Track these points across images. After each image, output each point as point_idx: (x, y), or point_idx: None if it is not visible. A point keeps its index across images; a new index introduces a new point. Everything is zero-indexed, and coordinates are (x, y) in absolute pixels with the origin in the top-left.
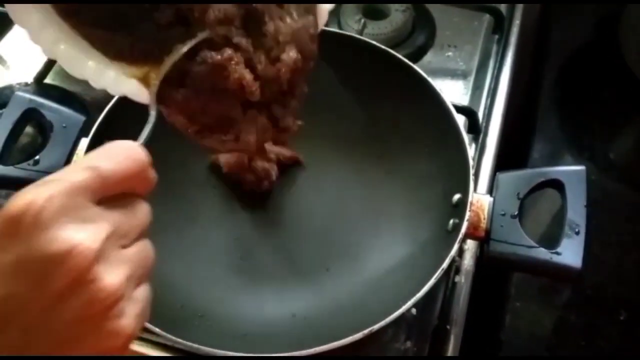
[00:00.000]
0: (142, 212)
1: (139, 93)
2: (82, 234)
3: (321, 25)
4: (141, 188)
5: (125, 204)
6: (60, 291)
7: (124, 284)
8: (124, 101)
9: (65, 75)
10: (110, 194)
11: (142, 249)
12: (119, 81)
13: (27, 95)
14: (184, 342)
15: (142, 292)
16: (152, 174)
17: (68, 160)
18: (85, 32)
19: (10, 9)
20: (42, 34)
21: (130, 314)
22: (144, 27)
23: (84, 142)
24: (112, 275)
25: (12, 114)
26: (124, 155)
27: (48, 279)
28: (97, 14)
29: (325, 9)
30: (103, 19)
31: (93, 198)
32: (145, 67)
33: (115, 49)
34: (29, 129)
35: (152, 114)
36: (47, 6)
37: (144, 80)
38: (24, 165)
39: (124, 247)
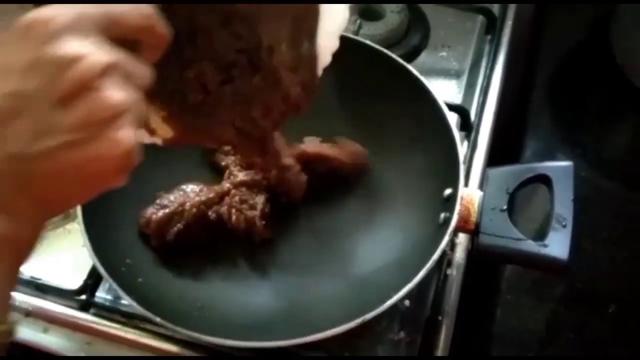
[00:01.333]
0: (146, 68)
1: (137, 133)
2: (91, 48)
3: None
4: (151, 41)
5: (133, 54)
6: (67, 92)
7: (125, 101)
8: None
9: None
10: (120, 38)
11: (140, 99)
12: None
13: None
14: (184, 331)
15: (139, 123)
16: (162, 29)
17: None
18: None
19: None
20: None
21: (129, 130)
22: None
23: None
24: (116, 91)
25: None
26: (133, 6)
27: (56, 79)
28: None
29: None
30: None
31: (102, 33)
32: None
33: None
34: None
35: None
36: None
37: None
38: None
39: (128, 81)
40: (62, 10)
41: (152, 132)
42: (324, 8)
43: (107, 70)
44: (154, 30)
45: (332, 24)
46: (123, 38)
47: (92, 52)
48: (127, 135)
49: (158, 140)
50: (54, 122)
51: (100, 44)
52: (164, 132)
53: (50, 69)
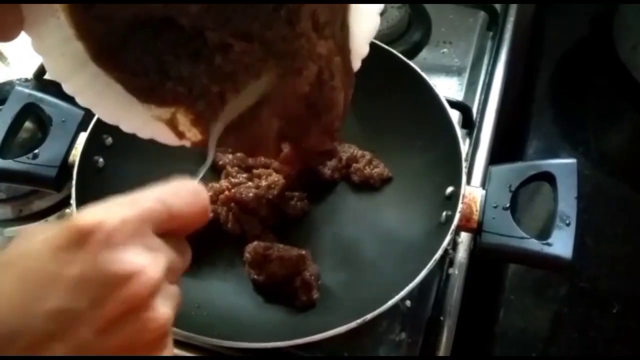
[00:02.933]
0: (189, 253)
1: (166, 135)
2: (147, 261)
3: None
4: (194, 227)
5: (178, 242)
6: (116, 314)
7: (172, 317)
8: None
9: None
10: (169, 230)
11: (180, 288)
12: (147, 124)
13: (27, 90)
14: (181, 331)
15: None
16: (208, 215)
17: (67, 154)
18: (118, 76)
19: (39, 50)
20: (72, 78)
21: (170, 349)
22: (177, 68)
23: (83, 136)
24: (165, 308)
25: (11, 108)
26: (193, 196)
27: (108, 298)
28: (134, 58)
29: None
30: (139, 63)
31: (157, 230)
32: (172, 108)
33: (147, 92)
34: (28, 124)
35: (210, 157)
36: (80, 49)
37: (171, 122)
38: (23, 158)
39: (171, 283)
40: (124, 213)
41: (180, 134)
42: (357, 12)
43: (159, 285)
44: (205, 217)
45: (364, 30)
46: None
47: (148, 266)
48: (168, 354)
49: (187, 143)
50: (96, 344)
51: (155, 247)
52: (192, 135)
53: (103, 286)
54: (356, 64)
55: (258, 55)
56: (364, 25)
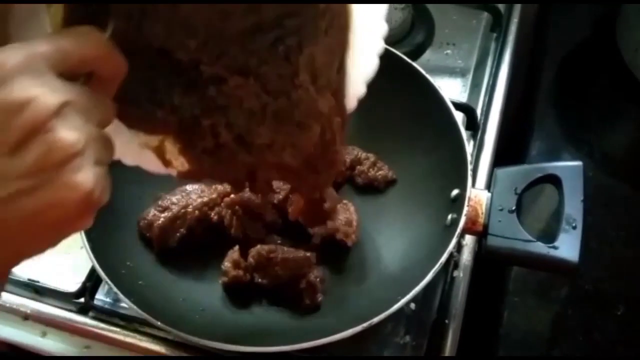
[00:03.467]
0: (106, 102)
1: (153, 163)
2: (41, 90)
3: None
4: (106, 70)
5: (91, 88)
6: (17, 139)
7: (81, 141)
8: None
9: None
10: (73, 72)
11: (104, 134)
12: (134, 151)
13: None
14: (186, 335)
15: (101, 161)
16: (117, 58)
17: None
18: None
19: None
20: None
21: (87, 171)
22: (170, 97)
23: None
24: (69, 132)
25: None
26: (84, 36)
27: (6, 126)
28: (125, 86)
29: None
30: (130, 91)
31: (54, 69)
32: (160, 136)
33: (137, 120)
34: None
35: None
36: None
37: (158, 150)
38: None
39: (86, 120)
40: (12, 51)
41: (167, 163)
42: (355, 54)
43: (59, 110)
44: (109, 60)
45: (362, 71)
46: (77, 71)
47: (43, 92)
48: (86, 177)
49: (173, 172)
50: (5, 170)
51: (52, 82)
52: (179, 164)
53: (0, 115)
54: (352, 104)
55: (252, 90)
56: (362, 66)
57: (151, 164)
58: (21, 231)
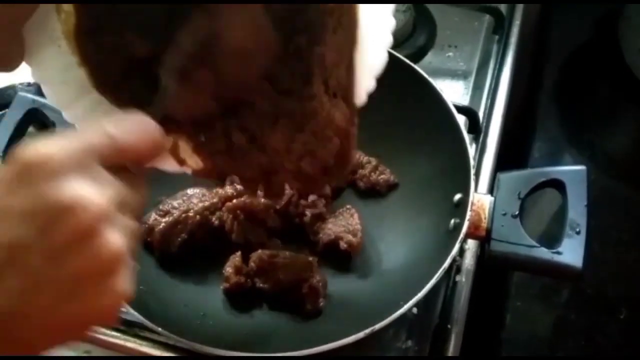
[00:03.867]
0: (143, 188)
1: (167, 162)
2: (92, 190)
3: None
4: (146, 161)
5: (130, 177)
6: (65, 242)
7: (124, 247)
8: None
9: None
10: (118, 164)
11: (136, 226)
12: None
13: (30, 96)
14: (186, 341)
15: (131, 262)
16: (162, 147)
17: None
18: (121, 105)
19: (39, 78)
20: (73, 106)
21: (126, 278)
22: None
23: None
24: (115, 236)
25: (15, 114)
26: (140, 128)
27: (55, 227)
28: (139, 89)
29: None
30: (145, 94)
31: (104, 163)
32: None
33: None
34: (32, 130)
35: None
36: (82, 76)
37: (172, 149)
38: None
39: (126, 218)
40: (64, 144)
41: (181, 162)
42: (365, 49)
43: (106, 214)
44: (155, 150)
45: (372, 65)
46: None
47: (94, 194)
48: (126, 283)
49: (188, 170)
50: (48, 273)
51: (101, 180)
52: (193, 162)
53: (49, 216)
54: (361, 98)
55: (264, 90)
56: (371, 61)
57: (166, 163)
58: (51, 334)
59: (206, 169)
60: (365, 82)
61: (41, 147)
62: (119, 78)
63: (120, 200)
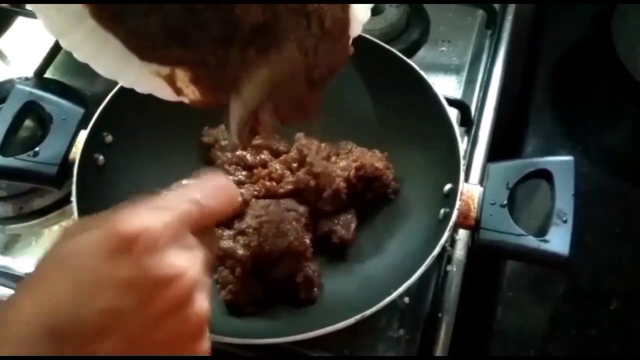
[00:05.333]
0: (216, 242)
1: (165, 91)
2: (187, 262)
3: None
4: (223, 219)
5: (208, 235)
6: (162, 311)
7: (209, 308)
8: (122, 94)
9: (65, 69)
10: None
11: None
12: (146, 79)
13: (27, 88)
14: None
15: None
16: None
17: (67, 152)
18: (119, 34)
19: (35, 6)
20: (70, 33)
21: (208, 336)
22: (186, 33)
23: (83, 134)
24: (204, 302)
25: (12, 106)
26: (225, 194)
27: (154, 299)
28: (138, 20)
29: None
30: (144, 25)
31: (192, 229)
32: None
33: (150, 52)
34: (29, 122)
35: (233, 136)
36: (78, 6)
37: (169, 78)
38: (24, 156)
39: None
40: (166, 219)
41: (178, 91)
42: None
43: (199, 283)
44: (232, 211)
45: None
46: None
47: (191, 266)
48: (208, 344)
49: (185, 100)
50: (144, 339)
51: (195, 251)
52: (190, 91)
53: (149, 287)
54: (356, 29)
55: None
56: (357, 11)
57: (163, 91)
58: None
59: (205, 101)
60: (360, 13)
61: (140, 220)
62: (121, 7)
63: (206, 261)
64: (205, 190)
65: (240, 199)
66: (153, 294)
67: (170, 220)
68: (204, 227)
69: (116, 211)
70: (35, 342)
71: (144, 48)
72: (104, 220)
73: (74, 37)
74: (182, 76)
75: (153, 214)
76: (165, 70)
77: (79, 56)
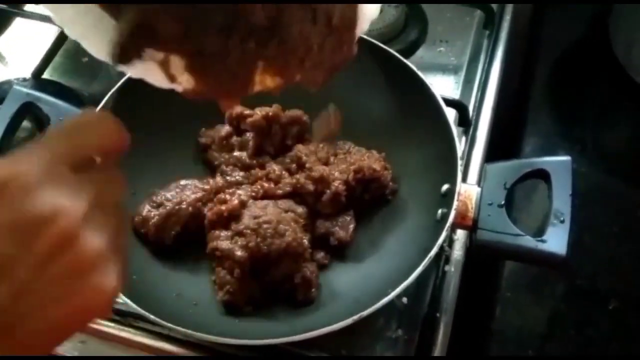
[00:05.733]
0: (119, 181)
1: (157, 76)
2: (67, 199)
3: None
4: (115, 152)
5: (104, 172)
6: (47, 251)
7: (106, 245)
8: (119, 95)
9: (62, 70)
10: (88, 161)
11: (121, 216)
12: (138, 63)
13: (25, 89)
14: (180, 329)
15: (121, 254)
16: (123, 137)
17: None
18: (115, 15)
19: None
20: (63, 8)
21: (112, 274)
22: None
23: None
24: (95, 237)
25: (9, 107)
26: (99, 124)
27: (36, 239)
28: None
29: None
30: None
31: (72, 166)
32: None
33: (147, 37)
34: (26, 123)
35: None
36: None
37: (163, 64)
38: None
39: (105, 213)
40: (34, 158)
41: (172, 77)
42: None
43: (85, 218)
44: (117, 142)
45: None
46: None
47: (70, 201)
48: (111, 278)
49: (178, 88)
50: (34, 282)
51: (74, 185)
52: (184, 79)
53: (28, 229)
54: (364, 27)
55: None
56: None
57: (155, 77)
58: (44, 334)
59: (198, 91)
60: (368, 10)
61: (10, 165)
62: None
63: (97, 197)
64: (78, 124)
65: (118, 127)
66: (34, 236)
67: (42, 159)
68: (86, 161)
69: None
70: None
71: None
72: None
73: (67, 12)
74: (176, 63)
75: (23, 157)
76: (160, 55)
77: (70, 33)
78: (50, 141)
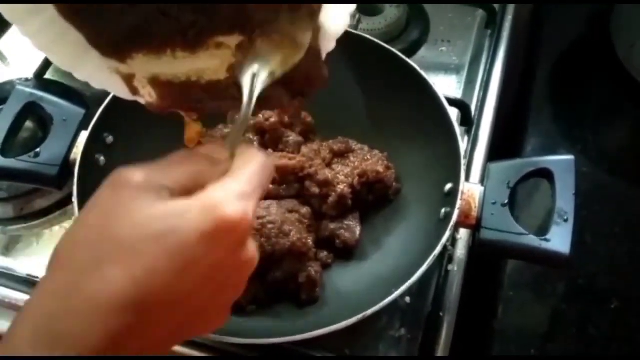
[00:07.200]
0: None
1: (120, 88)
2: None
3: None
4: None
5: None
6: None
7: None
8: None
9: (64, 71)
10: None
11: None
12: (102, 74)
13: (28, 90)
14: None
15: None
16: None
17: (68, 153)
18: (81, 29)
19: None
20: (28, 21)
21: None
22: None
23: (84, 135)
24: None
25: (13, 107)
26: (271, 169)
27: (232, 279)
28: (104, 19)
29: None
30: (110, 25)
31: None
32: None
33: (111, 49)
34: (29, 123)
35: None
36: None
37: (127, 76)
38: (25, 157)
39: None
40: (253, 208)
41: (134, 90)
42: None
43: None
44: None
45: (333, 26)
46: None
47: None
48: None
49: (141, 100)
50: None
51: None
52: (146, 92)
53: (231, 274)
54: (330, 45)
55: None
56: (333, 23)
57: (118, 89)
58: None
59: (161, 106)
60: (334, 25)
61: (239, 208)
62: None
63: None
64: (266, 173)
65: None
66: (232, 277)
67: (252, 209)
68: None
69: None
70: (120, 311)
71: (106, 45)
72: (201, 201)
73: (32, 25)
74: (140, 76)
75: (249, 202)
76: (124, 67)
77: (36, 45)
78: (256, 188)
